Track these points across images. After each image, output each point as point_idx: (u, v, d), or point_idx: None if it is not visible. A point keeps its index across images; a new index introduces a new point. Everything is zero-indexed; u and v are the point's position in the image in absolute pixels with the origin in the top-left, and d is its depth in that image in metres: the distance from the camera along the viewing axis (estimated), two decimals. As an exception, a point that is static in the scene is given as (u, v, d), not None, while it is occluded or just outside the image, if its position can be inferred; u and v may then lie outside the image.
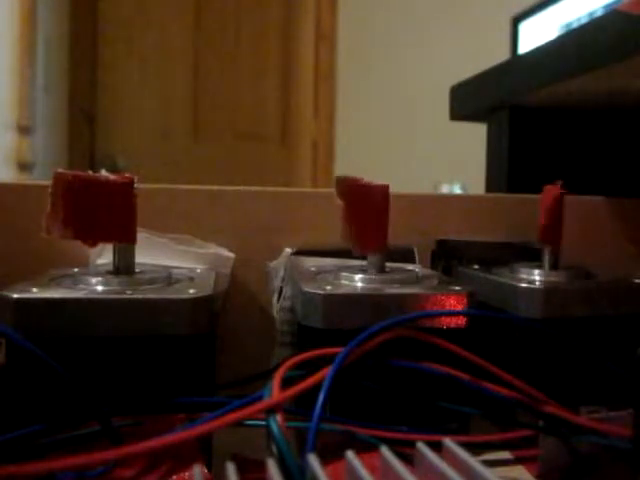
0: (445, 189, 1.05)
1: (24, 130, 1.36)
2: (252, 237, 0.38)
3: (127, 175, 0.28)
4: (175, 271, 0.32)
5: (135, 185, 0.28)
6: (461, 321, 0.28)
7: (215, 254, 0.36)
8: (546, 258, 0.35)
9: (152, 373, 0.26)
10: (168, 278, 0.29)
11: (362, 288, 0.29)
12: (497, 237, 0.41)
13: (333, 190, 0.31)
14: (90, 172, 0.28)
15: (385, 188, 0.30)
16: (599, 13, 0.68)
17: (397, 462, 0.18)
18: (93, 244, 0.28)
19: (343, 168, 1.84)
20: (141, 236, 0.30)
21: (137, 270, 0.29)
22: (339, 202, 0.30)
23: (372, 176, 0.31)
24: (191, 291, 0.27)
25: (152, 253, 0.34)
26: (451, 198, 0.44)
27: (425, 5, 1.51)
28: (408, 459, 0.20)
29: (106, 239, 0.28)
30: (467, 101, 0.58)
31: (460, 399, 0.27)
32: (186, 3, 1.83)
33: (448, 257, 0.40)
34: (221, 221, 0.37)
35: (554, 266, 0.34)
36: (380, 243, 0.31)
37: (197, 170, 1.74)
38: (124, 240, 0.29)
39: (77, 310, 0.25)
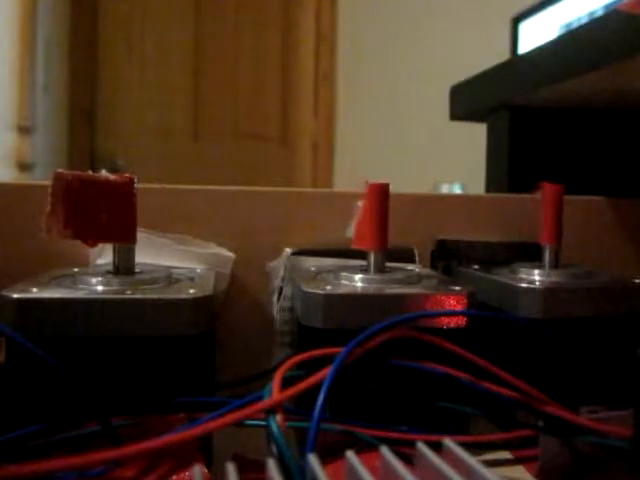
0: (445, 189, 1.05)
1: (24, 130, 1.36)
2: (252, 237, 0.38)
3: (127, 175, 0.28)
4: (175, 271, 0.32)
5: (135, 185, 0.28)
6: (461, 321, 0.28)
7: (215, 254, 0.36)
8: (546, 258, 0.35)
9: (152, 373, 0.26)
10: (168, 278, 0.29)
11: (362, 288, 0.29)
12: (497, 237, 0.41)
13: (333, 190, 0.31)
14: (90, 172, 0.28)
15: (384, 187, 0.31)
16: (599, 13, 0.68)
17: (397, 462, 0.18)
18: (93, 244, 0.28)
19: (343, 168, 1.84)
20: (141, 236, 0.30)
21: (137, 270, 0.29)
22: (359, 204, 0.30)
23: (372, 176, 0.31)
24: (191, 291, 0.27)
25: (152, 253, 0.34)
26: (451, 198, 0.44)
27: (425, 5, 1.50)
28: (408, 459, 0.20)
29: (106, 239, 0.28)
30: (467, 101, 0.58)
31: (460, 399, 0.27)
32: (186, 3, 1.83)
33: (448, 257, 0.40)
34: (221, 221, 0.37)
35: (554, 266, 0.34)
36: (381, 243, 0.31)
37: (197, 170, 1.74)
38: (124, 240, 0.29)
39: (77, 310, 0.25)
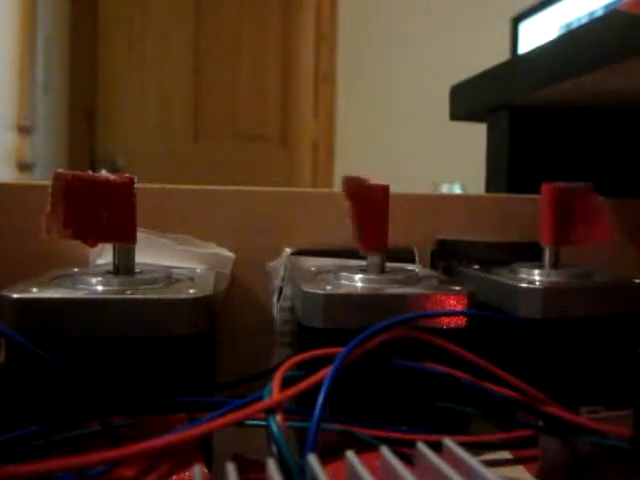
0: (445, 189, 1.05)
1: (24, 130, 1.36)
2: (252, 237, 0.38)
3: (127, 175, 0.28)
4: (175, 271, 0.32)
5: (135, 185, 0.28)
6: (461, 321, 0.28)
7: (215, 254, 0.36)
8: (546, 258, 0.35)
9: (152, 373, 0.26)
10: (168, 278, 0.29)
11: (362, 288, 0.29)
12: (497, 237, 0.41)
13: (333, 190, 0.31)
14: (90, 172, 0.28)
15: (385, 188, 0.30)
16: (599, 13, 0.68)
17: (397, 462, 0.18)
18: (93, 244, 0.28)
19: (343, 168, 1.84)
20: (141, 236, 0.30)
21: (137, 270, 0.29)
22: (346, 202, 0.30)
23: (372, 176, 0.31)
24: (191, 291, 0.27)
25: (152, 253, 0.34)
26: (451, 198, 0.44)
27: (425, 5, 1.50)
28: (408, 459, 0.20)
29: (106, 239, 0.28)
30: (467, 101, 0.58)
31: (460, 399, 0.27)
32: (186, 3, 1.83)
33: (448, 257, 0.40)
34: (221, 221, 0.37)
35: (554, 266, 0.34)
36: (381, 243, 0.31)
37: (197, 170, 1.74)
38: (124, 240, 0.29)
39: (77, 310, 0.25)
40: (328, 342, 0.26)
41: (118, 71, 1.79)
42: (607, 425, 0.24)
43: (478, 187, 0.62)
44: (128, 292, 0.26)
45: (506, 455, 0.27)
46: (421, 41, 1.50)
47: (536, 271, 0.34)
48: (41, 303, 0.25)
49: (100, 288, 0.27)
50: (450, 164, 1.27)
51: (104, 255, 0.34)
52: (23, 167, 1.36)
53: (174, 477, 0.21)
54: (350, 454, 0.19)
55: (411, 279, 0.31)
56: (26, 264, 0.33)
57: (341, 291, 0.28)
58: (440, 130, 1.15)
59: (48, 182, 0.27)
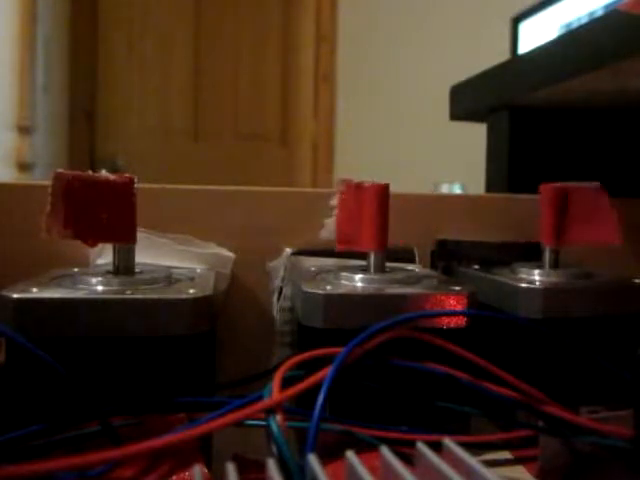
0: (445, 189, 1.05)
1: (24, 130, 1.36)
2: (252, 237, 0.38)
3: (127, 175, 0.28)
4: (175, 271, 0.32)
5: (135, 185, 0.28)
6: (461, 321, 0.28)
7: (215, 254, 0.36)
8: (546, 258, 0.35)
9: (152, 373, 0.26)
10: (168, 278, 0.29)
11: (362, 288, 0.29)
12: (497, 237, 0.41)
13: (333, 190, 0.31)
14: (90, 172, 0.28)
15: (385, 187, 0.30)
16: (599, 13, 0.68)
17: (397, 462, 0.18)
18: (93, 244, 0.28)
19: (343, 168, 1.84)
20: (141, 236, 0.30)
21: (137, 270, 0.29)
22: (333, 203, 0.30)
23: (372, 176, 0.31)
24: (191, 291, 0.27)
25: (152, 253, 0.34)
26: (451, 198, 0.44)
27: (425, 5, 1.50)
28: (408, 459, 0.20)
29: (106, 239, 0.28)
30: (467, 101, 0.58)
31: (460, 399, 0.27)
32: (186, 3, 1.83)
33: (448, 257, 0.40)
34: (221, 221, 0.37)
35: (554, 266, 0.34)
36: (381, 243, 0.31)
37: (197, 170, 1.74)
38: (124, 240, 0.29)
39: (77, 310, 0.25)
40: (328, 342, 0.26)
41: (118, 71, 1.79)
42: (607, 425, 0.24)
43: (478, 187, 0.62)
44: (128, 292, 0.26)
45: (506, 455, 0.27)
46: (421, 41, 1.50)
47: (536, 271, 0.34)
48: (41, 303, 0.25)
49: (100, 288, 0.27)
50: (450, 164, 1.27)
51: (104, 255, 0.34)
52: (23, 167, 1.36)
53: (174, 477, 0.21)
54: (350, 454, 0.19)
55: (411, 279, 0.31)
56: (26, 264, 0.33)
57: (341, 291, 0.28)
58: (440, 130, 1.15)
59: (48, 182, 0.27)
